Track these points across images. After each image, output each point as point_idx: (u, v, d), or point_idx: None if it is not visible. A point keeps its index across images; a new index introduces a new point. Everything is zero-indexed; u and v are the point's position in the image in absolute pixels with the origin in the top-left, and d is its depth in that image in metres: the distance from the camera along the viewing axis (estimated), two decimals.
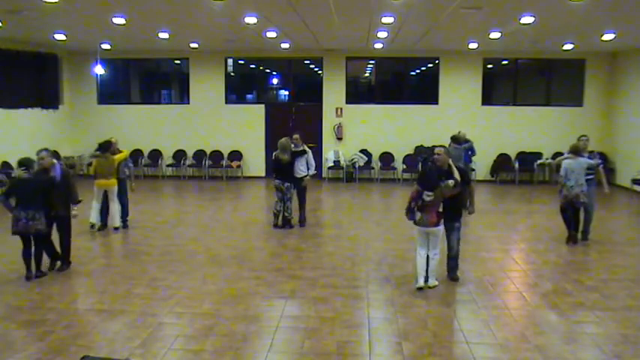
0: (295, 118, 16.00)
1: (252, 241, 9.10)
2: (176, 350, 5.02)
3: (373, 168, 15.67)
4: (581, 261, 8.04)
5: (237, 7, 9.05)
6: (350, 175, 15.61)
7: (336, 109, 15.88)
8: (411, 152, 15.61)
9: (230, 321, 5.67)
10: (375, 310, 6.08)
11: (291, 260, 7.87)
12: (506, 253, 8.56)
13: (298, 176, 9.72)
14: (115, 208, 9.39)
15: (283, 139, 9.66)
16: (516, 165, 15.37)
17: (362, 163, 15.57)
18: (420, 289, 6.54)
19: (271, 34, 11.80)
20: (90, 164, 9.18)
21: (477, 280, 7.10)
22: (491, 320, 5.75)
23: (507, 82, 16.40)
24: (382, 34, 11.93)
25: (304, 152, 9.78)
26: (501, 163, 15.57)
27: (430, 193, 6.41)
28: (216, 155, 16.03)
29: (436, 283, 6.72)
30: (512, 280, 7.16)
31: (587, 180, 8.53)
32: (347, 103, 15.90)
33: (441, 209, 6.48)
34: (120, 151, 9.57)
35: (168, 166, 16.16)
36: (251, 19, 9.83)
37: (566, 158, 8.68)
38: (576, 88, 15.68)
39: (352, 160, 15.59)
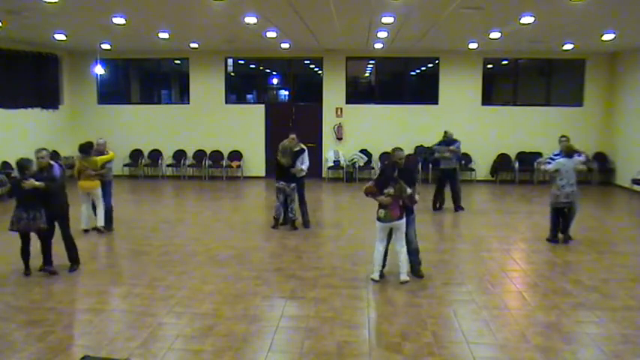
0: (295, 118, 16.00)
1: (252, 241, 9.09)
2: (176, 350, 5.02)
3: (373, 168, 15.66)
4: (581, 261, 8.03)
5: (237, 7, 9.05)
6: (350, 175, 15.61)
7: (336, 109, 15.88)
8: (411, 152, 15.58)
9: (230, 321, 5.67)
10: (375, 310, 6.08)
11: (291, 260, 7.87)
12: (506, 253, 8.56)
13: (299, 175, 9.72)
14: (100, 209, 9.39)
15: (285, 141, 9.67)
16: (516, 165, 15.38)
17: (362, 163, 15.57)
18: (374, 280, 6.86)
19: (271, 34, 11.80)
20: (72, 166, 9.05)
21: (477, 280, 7.10)
22: (491, 320, 5.75)
23: (507, 82, 16.39)
24: (382, 34, 11.92)
25: (303, 150, 9.81)
26: (501, 163, 15.57)
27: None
28: (216, 155, 16.02)
29: (407, 278, 6.80)
30: (512, 280, 7.17)
31: None
32: (347, 103, 15.89)
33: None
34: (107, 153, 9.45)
35: (168, 166, 16.16)
36: (251, 19, 9.83)
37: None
38: (576, 88, 15.68)
39: (352, 160, 15.58)
